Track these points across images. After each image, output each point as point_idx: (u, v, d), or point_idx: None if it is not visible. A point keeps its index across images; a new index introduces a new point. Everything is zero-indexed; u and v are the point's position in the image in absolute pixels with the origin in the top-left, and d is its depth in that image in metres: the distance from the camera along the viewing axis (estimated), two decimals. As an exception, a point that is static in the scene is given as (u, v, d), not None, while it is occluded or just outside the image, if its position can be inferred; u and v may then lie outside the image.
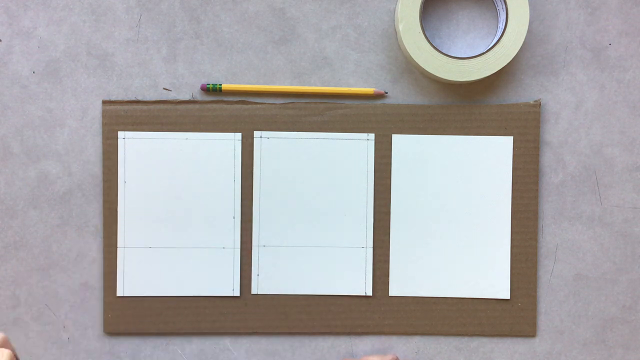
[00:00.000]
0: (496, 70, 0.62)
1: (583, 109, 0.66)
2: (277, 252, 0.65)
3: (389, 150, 0.65)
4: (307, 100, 0.65)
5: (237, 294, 0.65)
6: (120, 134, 0.64)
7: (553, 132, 0.66)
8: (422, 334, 0.66)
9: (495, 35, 0.64)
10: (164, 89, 0.65)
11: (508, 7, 0.62)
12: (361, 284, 0.65)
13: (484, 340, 0.66)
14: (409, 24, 0.62)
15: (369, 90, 0.65)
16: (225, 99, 0.65)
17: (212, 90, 0.64)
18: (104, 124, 0.64)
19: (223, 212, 0.64)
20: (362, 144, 0.65)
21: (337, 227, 0.65)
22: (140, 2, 0.65)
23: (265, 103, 0.65)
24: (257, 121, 0.65)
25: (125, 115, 0.64)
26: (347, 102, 0.65)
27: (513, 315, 0.65)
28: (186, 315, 0.65)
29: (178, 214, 0.64)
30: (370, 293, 0.65)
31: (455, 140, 0.65)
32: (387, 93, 0.65)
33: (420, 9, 0.61)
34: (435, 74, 0.62)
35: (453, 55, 0.63)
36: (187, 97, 0.65)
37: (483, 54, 0.62)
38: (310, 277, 0.65)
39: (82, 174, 0.65)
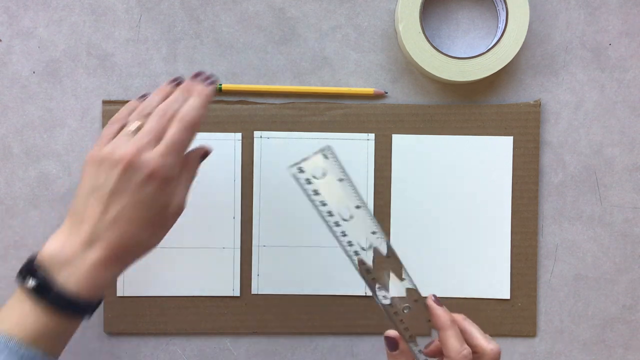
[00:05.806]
0: (496, 70, 0.62)
1: (583, 109, 0.66)
2: (277, 252, 0.65)
3: (389, 150, 0.65)
4: (307, 100, 0.65)
5: (237, 294, 0.65)
6: (120, 134, 0.64)
7: (553, 132, 0.66)
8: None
9: (495, 35, 0.64)
10: (164, 89, 0.65)
11: (508, 7, 0.62)
12: (361, 284, 0.65)
13: (484, 340, 0.66)
14: (409, 24, 0.62)
15: (369, 90, 0.65)
16: (225, 99, 0.65)
17: (212, 90, 0.64)
18: (104, 124, 0.64)
19: (223, 212, 0.64)
20: (362, 144, 0.65)
21: (337, 227, 0.65)
22: (140, 2, 0.65)
23: (265, 103, 0.65)
24: (257, 121, 0.65)
25: (125, 115, 0.64)
26: (347, 102, 0.65)
27: (513, 315, 0.65)
28: (186, 315, 0.65)
29: (178, 214, 0.64)
30: (370, 293, 0.65)
31: (455, 140, 0.65)
32: (387, 93, 0.65)
33: (420, 9, 0.61)
34: (435, 74, 0.62)
35: (453, 55, 0.63)
36: (187, 97, 0.65)
37: (483, 54, 0.62)
38: (310, 277, 0.65)
39: (82, 174, 0.65)
